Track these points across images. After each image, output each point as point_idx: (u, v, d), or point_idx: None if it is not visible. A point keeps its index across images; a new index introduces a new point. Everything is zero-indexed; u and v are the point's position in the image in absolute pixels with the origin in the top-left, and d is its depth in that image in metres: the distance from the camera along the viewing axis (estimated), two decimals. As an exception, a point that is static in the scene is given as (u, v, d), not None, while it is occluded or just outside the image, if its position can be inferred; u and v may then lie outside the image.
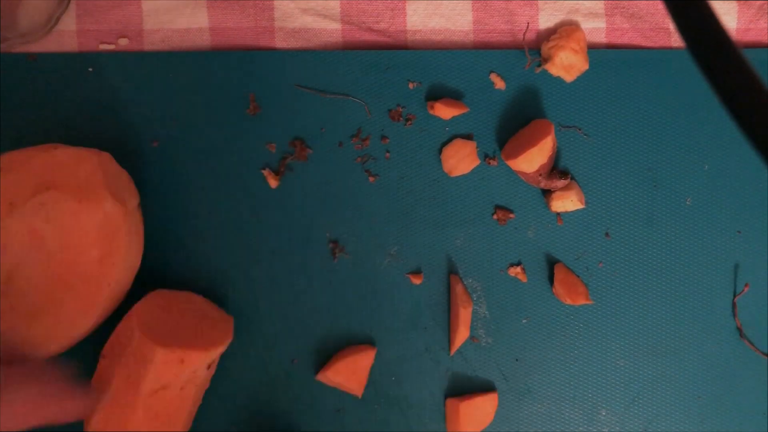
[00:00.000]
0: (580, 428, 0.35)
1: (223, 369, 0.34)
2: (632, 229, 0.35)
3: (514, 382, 0.35)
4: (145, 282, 0.33)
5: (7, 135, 0.34)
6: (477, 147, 0.35)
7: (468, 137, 0.35)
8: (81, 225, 0.28)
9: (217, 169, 0.35)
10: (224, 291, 0.34)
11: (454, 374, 0.35)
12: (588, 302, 0.33)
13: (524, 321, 0.35)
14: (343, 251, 0.35)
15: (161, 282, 0.34)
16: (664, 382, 0.35)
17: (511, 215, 0.35)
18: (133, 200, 0.31)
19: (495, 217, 0.35)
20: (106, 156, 0.31)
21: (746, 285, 0.35)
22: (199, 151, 0.35)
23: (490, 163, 0.35)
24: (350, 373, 0.33)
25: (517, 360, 0.35)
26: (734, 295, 0.35)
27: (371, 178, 0.35)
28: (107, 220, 0.29)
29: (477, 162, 0.35)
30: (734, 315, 0.35)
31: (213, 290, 0.34)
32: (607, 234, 0.35)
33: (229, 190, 0.35)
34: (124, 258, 0.30)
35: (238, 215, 0.35)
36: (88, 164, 0.29)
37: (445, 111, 0.34)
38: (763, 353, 0.35)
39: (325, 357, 0.34)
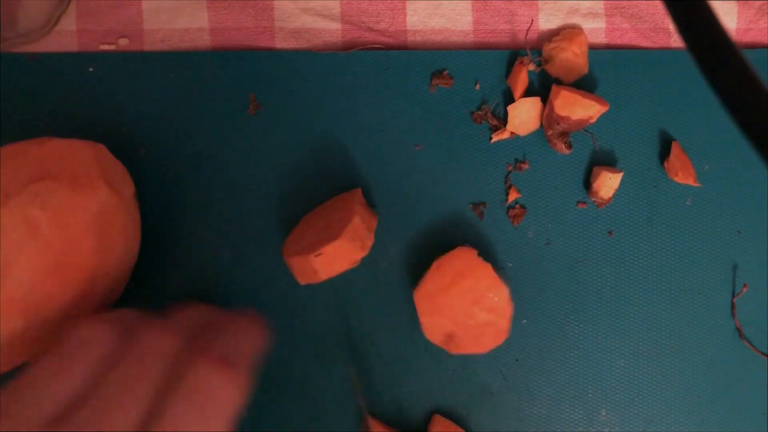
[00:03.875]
0: (580, 428, 0.35)
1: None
2: (632, 228, 0.35)
3: (513, 382, 0.35)
4: (142, 279, 0.33)
5: (7, 134, 0.34)
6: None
7: (468, 137, 0.35)
8: (76, 214, 0.28)
9: (217, 168, 0.35)
10: (223, 289, 0.34)
11: (453, 374, 0.35)
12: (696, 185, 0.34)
13: (524, 321, 0.35)
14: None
15: (160, 280, 0.34)
16: (664, 381, 0.35)
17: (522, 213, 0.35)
18: (129, 191, 0.31)
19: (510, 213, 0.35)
20: (101, 147, 0.31)
21: (745, 285, 0.35)
22: (199, 150, 0.35)
23: None
24: None
25: (516, 360, 0.35)
26: (733, 295, 0.35)
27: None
28: (103, 209, 0.29)
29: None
30: (733, 315, 0.35)
31: (212, 288, 0.34)
32: (610, 232, 0.35)
33: (229, 189, 0.35)
34: (121, 248, 0.30)
35: (238, 215, 0.35)
36: (83, 154, 0.30)
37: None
38: (763, 353, 0.35)
39: (323, 357, 0.34)
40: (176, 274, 0.34)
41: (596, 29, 0.36)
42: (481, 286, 0.32)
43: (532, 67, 0.34)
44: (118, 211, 0.29)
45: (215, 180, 0.35)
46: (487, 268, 0.32)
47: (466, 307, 0.32)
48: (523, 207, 0.35)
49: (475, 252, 0.32)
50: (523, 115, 0.34)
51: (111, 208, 0.29)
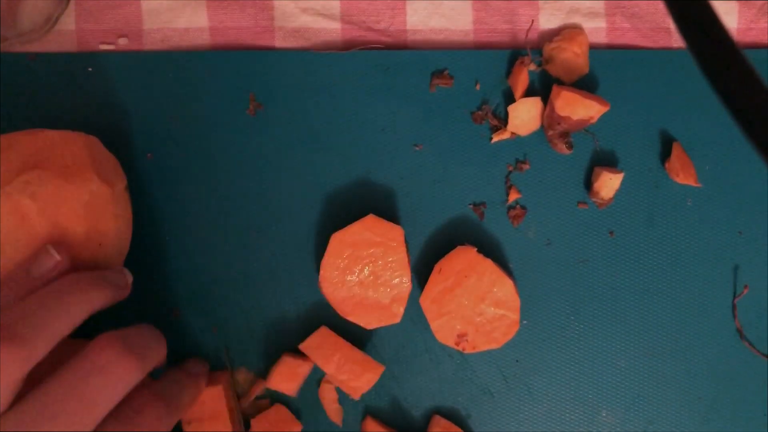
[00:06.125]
0: (581, 429, 0.35)
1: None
2: (632, 229, 0.35)
3: (514, 383, 0.35)
4: (139, 276, 0.33)
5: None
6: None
7: (468, 137, 0.35)
8: (67, 203, 0.28)
9: (217, 168, 0.35)
10: (221, 288, 0.34)
11: (454, 375, 0.35)
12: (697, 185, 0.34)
13: (524, 322, 0.35)
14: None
15: (158, 278, 0.34)
16: (664, 382, 0.35)
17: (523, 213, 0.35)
18: (120, 183, 0.31)
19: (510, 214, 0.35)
20: (93, 139, 0.31)
21: (745, 286, 0.35)
22: (199, 150, 0.35)
23: None
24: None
25: (516, 360, 0.35)
26: (734, 296, 0.35)
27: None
28: (93, 200, 0.29)
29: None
30: (734, 316, 0.35)
31: (209, 286, 0.34)
32: (611, 232, 0.35)
33: (228, 190, 0.35)
34: (111, 239, 0.30)
35: (236, 215, 0.35)
36: (75, 145, 0.30)
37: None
38: (764, 354, 0.35)
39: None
40: (174, 273, 0.34)
41: (597, 29, 0.36)
42: (485, 282, 0.32)
43: (532, 67, 0.34)
44: (109, 202, 0.29)
45: (214, 180, 0.35)
46: (489, 263, 0.32)
47: (473, 305, 0.32)
48: (523, 207, 0.35)
49: (474, 250, 0.32)
50: (524, 115, 0.34)
51: (101, 199, 0.29)
